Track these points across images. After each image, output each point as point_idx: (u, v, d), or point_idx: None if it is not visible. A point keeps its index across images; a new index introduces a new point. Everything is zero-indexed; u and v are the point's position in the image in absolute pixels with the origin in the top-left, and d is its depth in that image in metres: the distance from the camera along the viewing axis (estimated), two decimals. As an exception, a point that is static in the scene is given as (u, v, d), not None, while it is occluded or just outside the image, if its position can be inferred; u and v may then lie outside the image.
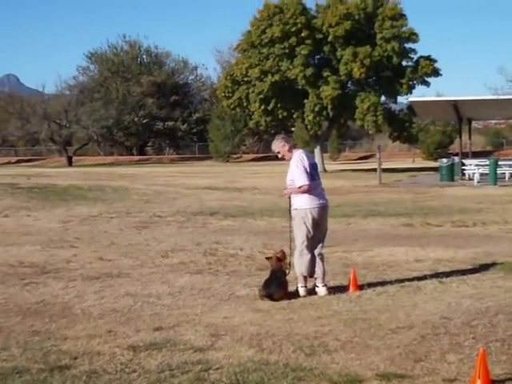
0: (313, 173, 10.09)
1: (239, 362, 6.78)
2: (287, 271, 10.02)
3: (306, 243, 9.98)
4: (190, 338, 7.67)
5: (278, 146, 10.31)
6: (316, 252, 10.11)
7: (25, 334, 8.00)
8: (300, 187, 9.93)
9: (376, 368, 6.56)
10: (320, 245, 10.21)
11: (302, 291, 9.95)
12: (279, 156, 10.43)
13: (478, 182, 37.28)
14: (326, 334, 7.75)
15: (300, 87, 53.20)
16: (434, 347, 7.20)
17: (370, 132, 57.93)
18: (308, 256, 9.98)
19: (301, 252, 10.00)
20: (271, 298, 9.46)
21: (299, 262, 10.00)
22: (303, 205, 9.98)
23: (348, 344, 7.38)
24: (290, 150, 10.22)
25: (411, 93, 53.77)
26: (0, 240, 16.51)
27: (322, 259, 10.21)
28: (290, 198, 10.17)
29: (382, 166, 40.47)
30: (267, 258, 10.35)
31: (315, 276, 10.10)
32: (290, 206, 10.19)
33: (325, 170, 53.87)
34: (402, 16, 52.91)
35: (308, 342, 7.47)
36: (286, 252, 10.15)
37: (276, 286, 9.63)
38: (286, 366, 6.64)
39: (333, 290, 10.08)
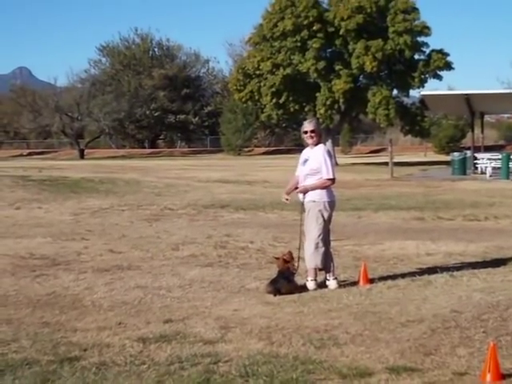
0: None
1: (248, 355, 6.77)
2: (295, 272, 9.98)
3: (322, 236, 9.96)
4: (200, 331, 7.68)
5: (317, 127, 10.19)
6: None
7: (35, 325, 8.02)
8: (329, 179, 9.93)
9: (386, 361, 6.55)
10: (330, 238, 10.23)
11: (311, 285, 9.93)
12: (305, 136, 10.14)
13: (491, 175, 37.21)
14: (336, 327, 7.74)
15: (312, 80, 53.13)
16: (444, 341, 7.18)
17: (382, 126, 57.75)
18: (323, 249, 9.96)
19: (316, 245, 9.96)
20: (278, 292, 9.44)
21: (314, 255, 9.96)
22: (322, 198, 9.98)
23: (358, 337, 7.37)
24: (319, 139, 10.16)
25: (423, 86, 53.56)
26: (11, 232, 16.57)
27: (331, 252, 10.22)
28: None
29: (394, 160, 40.40)
30: (275, 258, 10.30)
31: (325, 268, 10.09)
32: (304, 198, 10.14)
33: (336, 164, 53.75)
34: (415, 9, 52.64)
35: (318, 335, 7.46)
36: (293, 253, 10.10)
37: (283, 281, 9.61)
38: (295, 359, 6.63)
39: (343, 284, 10.08)
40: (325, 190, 10.00)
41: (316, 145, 10.14)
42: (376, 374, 6.19)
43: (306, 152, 10.28)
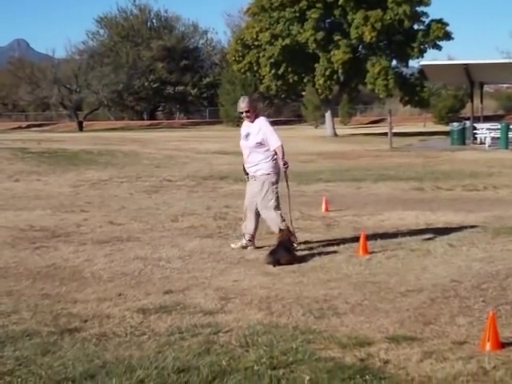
0: None
1: (248, 325, 6.80)
2: (295, 245, 10.15)
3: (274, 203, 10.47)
4: (200, 302, 7.69)
5: (250, 106, 10.53)
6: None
7: (35, 297, 8.03)
8: (281, 145, 10.35)
9: (385, 331, 6.57)
10: None
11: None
12: (243, 115, 10.56)
13: (490, 146, 37.15)
14: (336, 297, 7.76)
15: (311, 51, 52.92)
16: (444, 310, 7.20)
17: (381, 96, 57.63)
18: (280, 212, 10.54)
19: (277, 212, 10.49)
20: (278, 262, 9.46)
21: (276, 220, 10.42)
22: (274, 169, 10.49)
23: (357, 307, 7.39)
24: (257, 114, 10.59)
25: (423, 57, 53.37)
26: (11, 204, 16.56)
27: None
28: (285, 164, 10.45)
29: (393, 131, 40.32)
30: (279, 229, 10.32)
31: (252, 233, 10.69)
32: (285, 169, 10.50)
33: (335, 135, 53.76)
34: (414, -22, 52.34)
35: (317, 305, 7.49)
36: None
37: (282, 252, 9.63)
38: (295, 329, 6.65)
39: (340, 253, 10.11)
40: (275, 162, 10.45)
41: (254, 119, 10.48)
42: (376, 344, 6.21)
43: (246, 126, 10.67)
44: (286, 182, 10.59)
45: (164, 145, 40.05)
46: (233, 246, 10.74)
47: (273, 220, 10.49)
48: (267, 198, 10.40)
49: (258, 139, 10.35)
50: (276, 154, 10.37)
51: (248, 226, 10.71)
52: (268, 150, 10.38)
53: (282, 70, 53.21)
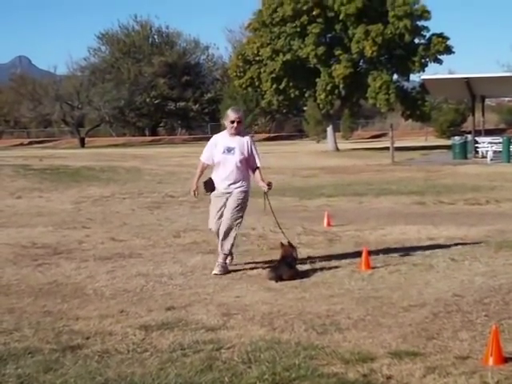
0: None
1: (251, 341, 6.78)
2: (297, 258, 10.10)
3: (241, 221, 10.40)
4: (202, 318, 7.68)
5: (243, 116, 10.46)
6: None
7: (37, 314, 8.02)
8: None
9: (388, 346, 6.56)
10: None
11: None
12: (232, 125, 10.24)
13: (491, 159, 37.18)
14: (338, 313, 7.74)
15: (312, 66, 53.02)
16: (447, 325, 7.19)
17: (383, 110, 57.72)
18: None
19: (238, 228, 10.39)
20: (280, 278, 9.44)
21: (233, 238, 10.28)
22: (250, 188, 10.46)
23: (360, 322, 7.37)
24: (243, 128, 10.49)
25: (424, 71, 53.48)
26: (13, 221, 16.57)
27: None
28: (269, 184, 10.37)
29: (395, 145, 40.38)
30: (281, 244, 10.27)
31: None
32: (268, 190, 10.41)
33: (337, 149, 53.78)
34: (414, -7, 52.46)
35: (320, 320, 7.47)
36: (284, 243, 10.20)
37: (285, 267, 9.62)
38: (297, 345, 6.63)
39: (341, 268, 10.09)
40: (250, 181, 10.46)
41: (239, 133, 10.33)
42: (378, 359, 6.19)
43: (226, 139, 10.44)
44: (268, 200, 10.46)
45: (166, 161, 40.10)
46: (215, 272, 10.14)
47: (231, 239, 10.26)
48: (237, 215, 10.26)
49: (245, 155, 10.23)
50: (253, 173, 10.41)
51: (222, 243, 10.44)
52: (247, 167, 10.36)
53: (284, 85, 53.29)
